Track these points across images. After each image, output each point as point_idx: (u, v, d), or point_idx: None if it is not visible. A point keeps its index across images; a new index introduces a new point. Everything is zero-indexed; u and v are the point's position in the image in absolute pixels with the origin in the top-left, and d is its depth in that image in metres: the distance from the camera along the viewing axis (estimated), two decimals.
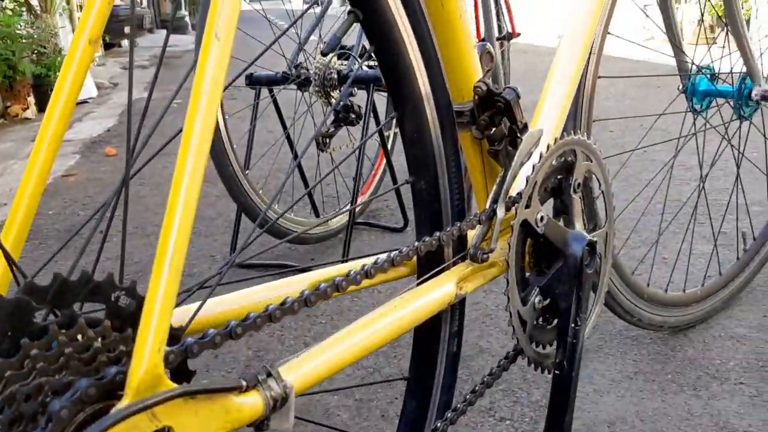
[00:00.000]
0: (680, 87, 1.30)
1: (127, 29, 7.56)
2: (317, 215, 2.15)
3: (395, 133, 2.22)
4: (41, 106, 4.22)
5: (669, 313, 1.35)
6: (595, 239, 0.83)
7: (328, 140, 1.84)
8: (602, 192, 0.86)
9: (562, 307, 0.80)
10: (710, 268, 1.54)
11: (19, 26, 4.20)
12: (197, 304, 0.64)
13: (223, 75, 0.42)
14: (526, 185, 0.74)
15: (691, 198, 1.52)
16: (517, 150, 0.74)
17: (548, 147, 0.76)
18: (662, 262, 1.70)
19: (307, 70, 1.84)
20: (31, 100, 4.17)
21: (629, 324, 1.31)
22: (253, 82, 1.88)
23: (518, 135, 0.74)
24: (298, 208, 2.34)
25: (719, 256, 1.53)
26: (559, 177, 0.81)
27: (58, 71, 0.73)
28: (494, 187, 0.74)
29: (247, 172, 1.80)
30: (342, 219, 2.02)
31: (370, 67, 1.86)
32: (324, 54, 1.67)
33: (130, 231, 2.29)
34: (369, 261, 0.70)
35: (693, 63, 1.26)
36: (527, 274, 0.80)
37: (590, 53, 1.05)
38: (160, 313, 0.44)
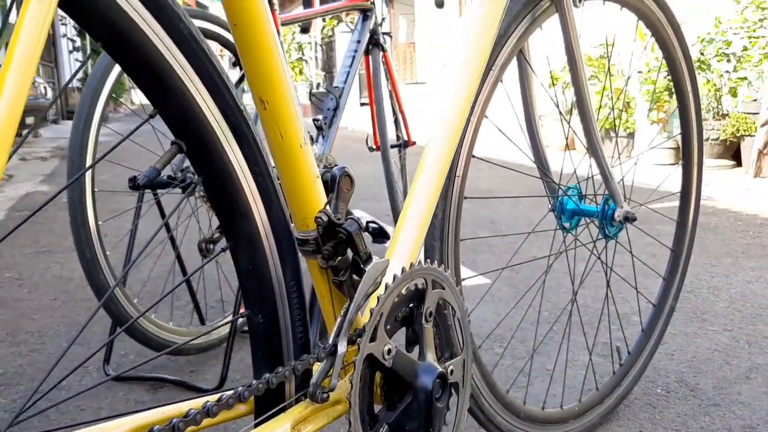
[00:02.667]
0: (549, 206, 1.34)
1: (29, 119, 7.35)
2: (203, 322, 2.05)
3: None
4: None
5: (547, 431, 1.33)
6: (448, 369, 0.81)
7: (211, 246, 1.78)
8: (457, 320, 0.84)
9: None
10: (589, 381, 1.55)
11: None
12: None
13: None
14: (371, 317, 0.71)
15: (566, 310, 1.54)
16: (362, 281, 0.72)
17: (394, 277, 0.75)
18: (546, 374, 1.70)
19: (193, 174, 1.80)
20: None
21: None
22: (136, 185, 1.82)
23: (362, 266, 0.72)
24: (184, 315, 2.22)
25: (598, 368, 1.54)
26: (410, 306, 0.79)
27: None
28: (338, 320, 0.71)
29: (121, 279, 1.71)
30: (226, 327, 1.93)
31: None
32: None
33: None
34: (197, 404, 0.64)
35: (559, 186, 1.31)
36: (377, 410, 0.76)
37: (455, 176, 1.07)
38: None
